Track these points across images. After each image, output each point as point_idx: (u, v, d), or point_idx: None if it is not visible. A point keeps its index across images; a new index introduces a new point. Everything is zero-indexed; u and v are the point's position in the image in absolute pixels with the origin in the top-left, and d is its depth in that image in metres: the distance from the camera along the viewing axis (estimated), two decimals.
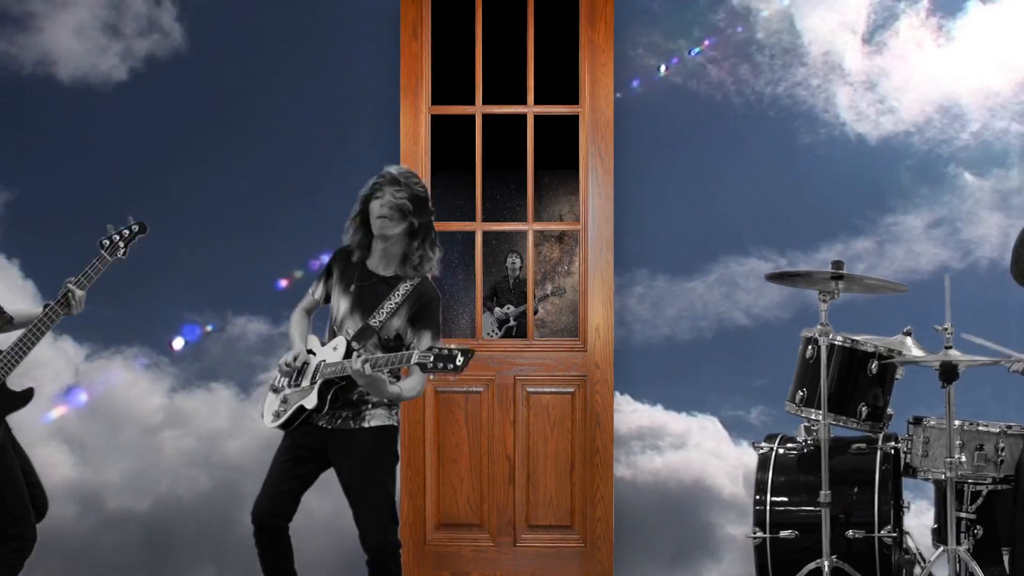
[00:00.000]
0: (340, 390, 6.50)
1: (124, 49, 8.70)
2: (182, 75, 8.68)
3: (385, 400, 6.56)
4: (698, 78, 8.54)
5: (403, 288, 6.57)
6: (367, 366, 6.22)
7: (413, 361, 6.17)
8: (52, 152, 8.59)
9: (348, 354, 6.44)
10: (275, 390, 6.71)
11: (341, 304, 6.66)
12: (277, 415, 6.62)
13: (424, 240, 6.55)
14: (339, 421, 6.56)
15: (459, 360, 6.19)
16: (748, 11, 8.57)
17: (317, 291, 6.83)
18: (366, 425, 6.55)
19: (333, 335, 6.67)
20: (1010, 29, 8.46)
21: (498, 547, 8.43)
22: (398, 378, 6.46)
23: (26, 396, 6.61)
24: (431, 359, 6.15)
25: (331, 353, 6.54)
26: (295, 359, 6.62)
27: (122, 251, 6.76)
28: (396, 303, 6.56)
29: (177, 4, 8.68)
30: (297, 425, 6.58)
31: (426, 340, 6.50)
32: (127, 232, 6.77)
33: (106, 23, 8.70)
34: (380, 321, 6.55)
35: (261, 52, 8.64)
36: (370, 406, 6.56)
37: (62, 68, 8.70)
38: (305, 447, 6.64)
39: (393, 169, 6.51)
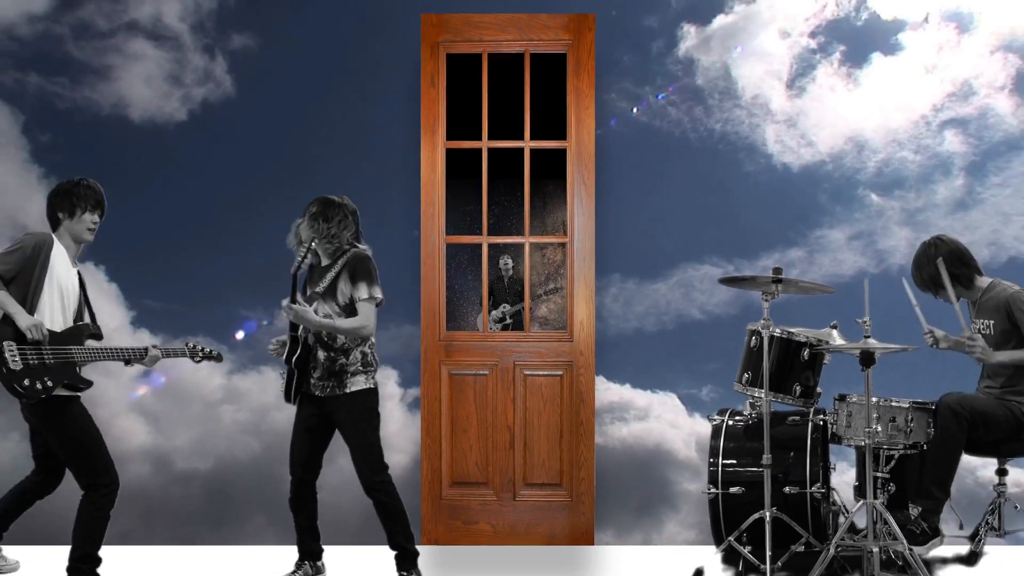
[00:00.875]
0: (320, 337, 6.83)
1: (184, 95, 8.75)
2: (232, 116, 8.77)
3: (357, 367, 6.84)
4: (661, 117, 8.60)
5: (339, 263, 6.84)
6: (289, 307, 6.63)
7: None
8: (126, 178, 8.58)
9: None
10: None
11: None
12: (284, 392, 6.90)
13: (330, 235, 6.85)
14: (328, 390, 6.79)
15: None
16: (691, 61, 8.70)
17: None
18: (348, 391, 6.79)
19: None
20: (906, 77, 8.59)
21: (500, 501, 8.44)
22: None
23: (88, 383, 6.71)
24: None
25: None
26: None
27: (198, 359, 7.07)
28: (335, 273, 6.81)
29: (228, 59, 8.71)
30: (301, 397, 6.87)
31: (362, 289, 6.76)
32: (210, 352, 7.11)
33: (170, 74, 8.74)
34: (323, 286, 6.80)
35: (301, 97, 8.66)
36: (349, 375, 6.80)
37: (133, 110, 8.76)
38: (314, 415, 6.89)
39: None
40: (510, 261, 9.92)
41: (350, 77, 8.65)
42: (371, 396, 6.92)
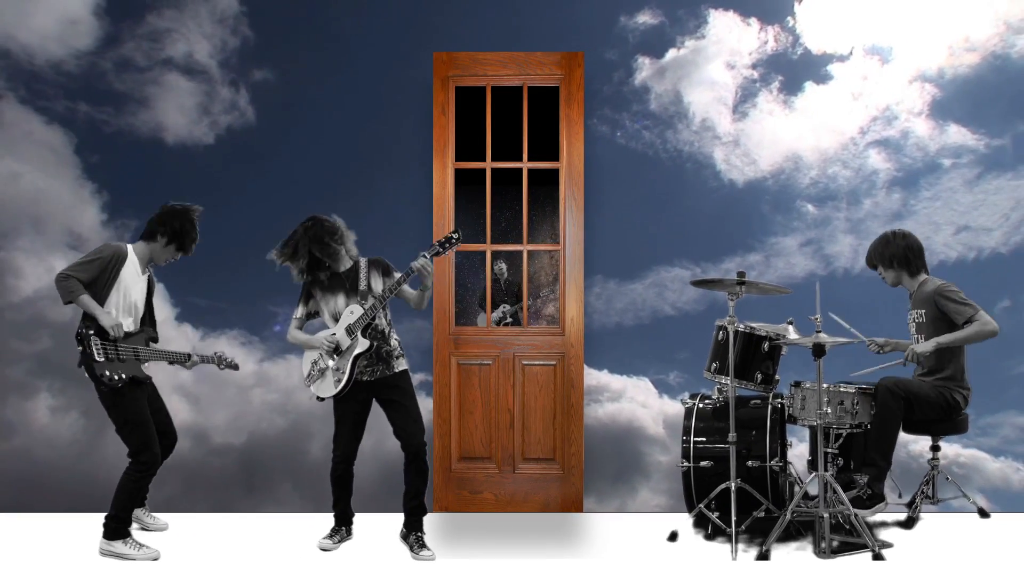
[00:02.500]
0: (372, 331, 7.00)
1: (211, 122, 8.72)
2: (251, 141, 8.77)
3: (398, 350, 7.15)
4: (636, 140, 8.54)
5: (362, 267, 7.09)
6: (425, 261, 6.81)
7: (431, 253, 6.82)
8: (162, 193, 8.50)
9: (364, 309, 6.92)
10: (322, 372, 7.08)
11: (339, 301, 7.10)
12: (339, 381, 6.98)
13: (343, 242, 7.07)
14: (378, 373, 7.02)
15: (455, 235, 6.81)
16: (647, 89, 8.70)
17: (300, 312, 7.22)
18: (396, 370, 7.06)
19: (337, 322, 7.09)
20: (836, 104, 8.66)
21: (502, 473, 8.54)
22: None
23: (148, 378, 7.12)
24: (438, 247, 6.82)
25: (351, 316, 6.98)
26: (333, 335, 7.05)
27: (222, 367, 7.48)
28: (366, 274, 7.05)
29: (250, 91, 8.70)
30: (351, 388, 6.99)
31: (397, 276, 6.98)
32: (231, 362, 7.47)
33: (200, 103, 8.70)
34: (367, 285, 7.00)
35: (322, 122, 8.67)
36: (394, 358, 7.07)
37: (168, 135, 8.74)
38: (363, 401, 7.09)
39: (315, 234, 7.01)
40: (503, 265, 9.96)
41: (370, 108, 8.61)
42: (409, 376, 7.18)
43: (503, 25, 8.69)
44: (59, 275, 6.77)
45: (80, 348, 6.82)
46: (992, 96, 8.62)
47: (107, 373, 6.79)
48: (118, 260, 6.89)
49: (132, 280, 6.95)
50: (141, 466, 6.87)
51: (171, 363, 7.16)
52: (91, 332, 6.80)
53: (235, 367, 7.47)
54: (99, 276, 6.83)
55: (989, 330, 7.33)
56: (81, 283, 6.77)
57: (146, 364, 7.05)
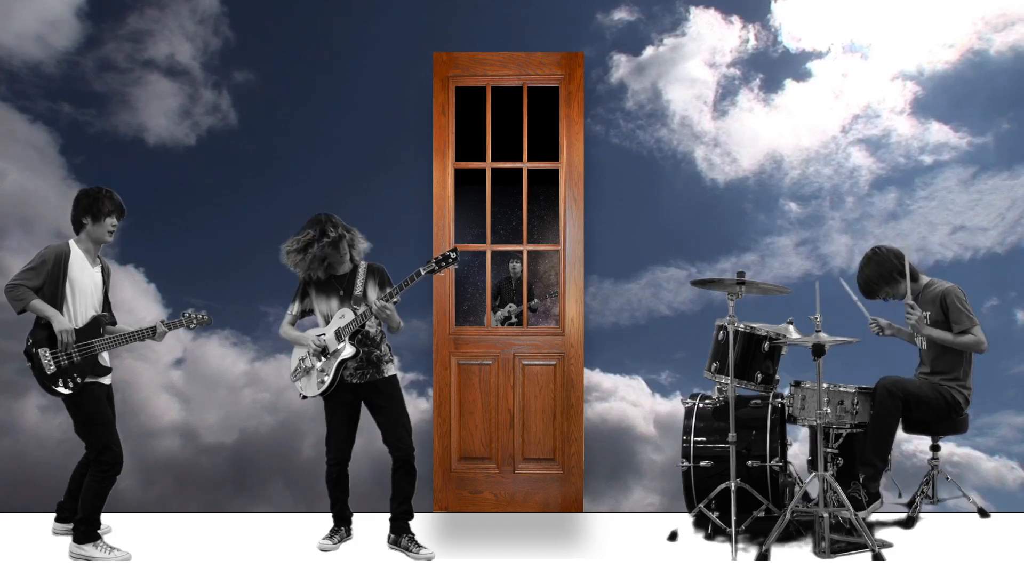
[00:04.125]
0: (361, 336, 7.01)
1: (192, 124, 8.68)
2: (232, 142, 8.74)
3: (388, 355, 7.17)
4: (631, 139, 8.55)
5: (360, 273, 7.10)
6: (383, 302, 6.81)
7: (424, 273, 6.76)
8: (144, 194, 8.48)
9: (355, 315, 6.94)
10: (307, 371, 7.10)
11: (332, 304, 7.12)
12: (322, 383, 7.02)
13: (351, 248, 7.11)
14: (368, 377, 7.03)
15: (453, 254, 6.77)
16: (624, 87, 8.72)
17: (295, 309, 7.27)
18: (386, 375, 7.09)
19: (328, 323, 7.11)
20: (816, 102, 8.67)
21: (502, 473, 8.54)
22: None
23: (108, 370, 7.05)
24: (434, 264, 6.75)
25: (341, 321, 6.99)
26: (321, 336, 7.05)
27: (194, 324, 7.27)
28: (363, 281, 7.05)
29: (232, 94, 8.68)
30: (337, 387, 7.01)
31: (390, 292, 6.95)
32: (202, 318, 7.31)
33: (182, 105, 8.67)
34: (361, 291, 7.01)
35: (320, 126, 8.67)
36: (384, 363, 7.09)
37: (149, 136, 8.70)
38: (352, 404, 7.12)
39: (328, 231, 7.03)
40: (518, 265, 9.94)
41: (369, 107, 8.58)
42: (398, 381, 7.20)
43: (503, 25, 8.69)
44: (7, 285, 6.80)
45: (30, 365, 6.85)
46: (971, 93, 8.68)
47: (60, 383, 6.81)
48: (63, 257, 6.88)
49: (81, 272, 6.96)
50: (104, 466, 6.86)
51: (142, 340, 7.11)
52: (36, 349, 6.82)
53: (207, 321, 7.34)
54: (48, 279, 6.82)
55: (978, 347, 7.43)
56: (31, 289, 6.77)
57: (105, 353, 7.05)
